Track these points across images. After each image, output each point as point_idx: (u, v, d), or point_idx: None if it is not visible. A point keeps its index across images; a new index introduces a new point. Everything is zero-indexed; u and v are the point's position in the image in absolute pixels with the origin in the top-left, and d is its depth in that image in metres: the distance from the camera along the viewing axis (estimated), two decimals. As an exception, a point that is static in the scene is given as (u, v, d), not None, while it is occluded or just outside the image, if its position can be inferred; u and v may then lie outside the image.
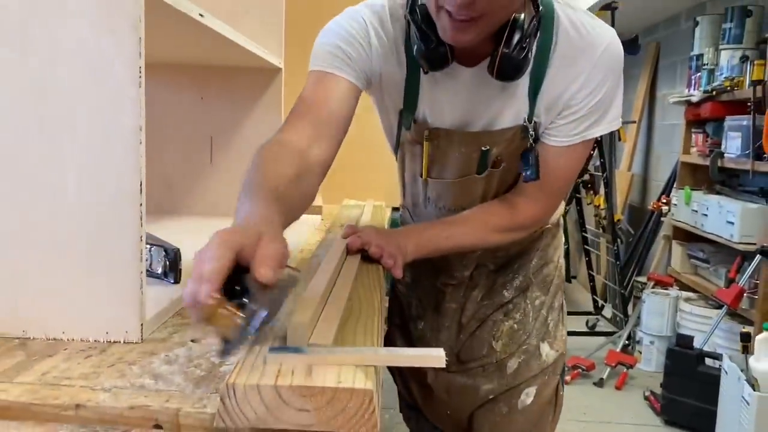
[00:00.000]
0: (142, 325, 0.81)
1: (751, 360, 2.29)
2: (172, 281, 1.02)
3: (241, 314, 0.60)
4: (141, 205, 0.80)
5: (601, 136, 1.23)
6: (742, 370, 2.35)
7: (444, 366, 0.62)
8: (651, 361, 3.44)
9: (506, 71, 1.04)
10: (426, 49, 1.04)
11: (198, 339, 0.83)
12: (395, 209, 2.25)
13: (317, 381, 0.58)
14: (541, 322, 1.36)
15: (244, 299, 0.61)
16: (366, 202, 2.04)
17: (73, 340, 0.81)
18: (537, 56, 1.08)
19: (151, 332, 0.85)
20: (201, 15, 1.01)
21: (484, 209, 1.22)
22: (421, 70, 1.11)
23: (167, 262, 1.02)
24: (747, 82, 3.04)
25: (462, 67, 1.11)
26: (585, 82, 1.09)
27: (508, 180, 1.23)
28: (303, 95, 1.09)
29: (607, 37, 1.09)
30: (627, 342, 3.59)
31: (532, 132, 1.12)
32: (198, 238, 0.69)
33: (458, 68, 1.11)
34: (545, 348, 1.36)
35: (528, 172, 1.13)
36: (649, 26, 4.85)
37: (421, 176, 1.25)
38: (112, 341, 0.81)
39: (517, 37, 1.02)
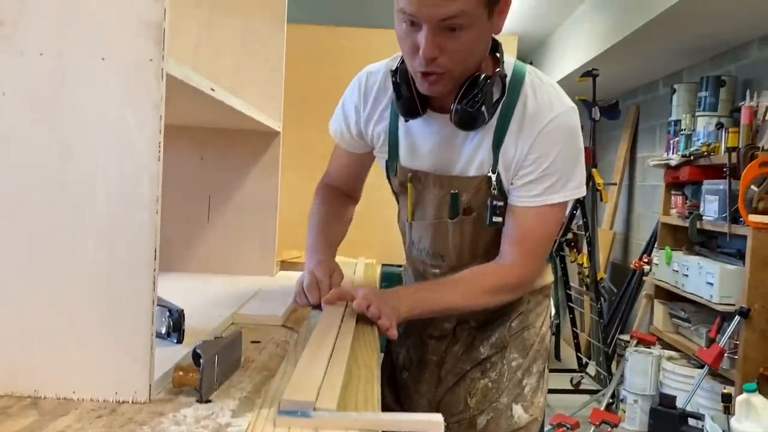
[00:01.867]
0: (150, 385, 0.85)
1: (733, 421, 2.33)
2: (175, 341, 1.06)
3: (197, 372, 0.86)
4: (155, 270, 0.84)
5: (583, 197, 1.33)
6: (723, 431, 2.38)
7: (440, 430, 0.66)
8: (635, 420, 3.46)
9: (463, 121, 1.17)
10: (400, 99, 1.21)
11: (203, 400, 0.87)
12: (385, 266, 2.31)
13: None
14: (515, 383, 1.38)
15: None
16: (357, 260, 2.09)
17: (83, 399, 0.84)
18: (501, 115, 1.20)
19: (158, 392, 0.88)
20: (212, 89, 1.08)
21: (473, 272, 1.28)
22: (402, 120, 1.26)
23: (171, 323, 1.06)
24: (722, 148, 3.17)
25: (437, 114, 1.24)
26: (532, 148, 1.19)
27: (481, 233, 1.30)
28: (335, 150, 1.50)
29: (558, 110, 1.20)
30: (611, 400, 3.61)
31: (495, 184, 1.22)
32: (191, 297, 0.75)
33: (434, 115, 1.24)
34: (518, 410, 1.37)
35: (492, 219, 1.24)
36: (629, 90, 5.04)
37: (408, 220, 1.37)
38: (120, 401, 0.84)
39: (473, 92, 1.15)
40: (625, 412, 3.54)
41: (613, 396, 3.64)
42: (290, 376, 0.84)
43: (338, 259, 2.24)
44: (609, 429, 3.32)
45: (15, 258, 0.84)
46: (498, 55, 1.22)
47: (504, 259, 1.27)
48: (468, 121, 1.17)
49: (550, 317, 1.50)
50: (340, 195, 1.49)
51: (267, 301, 1.46)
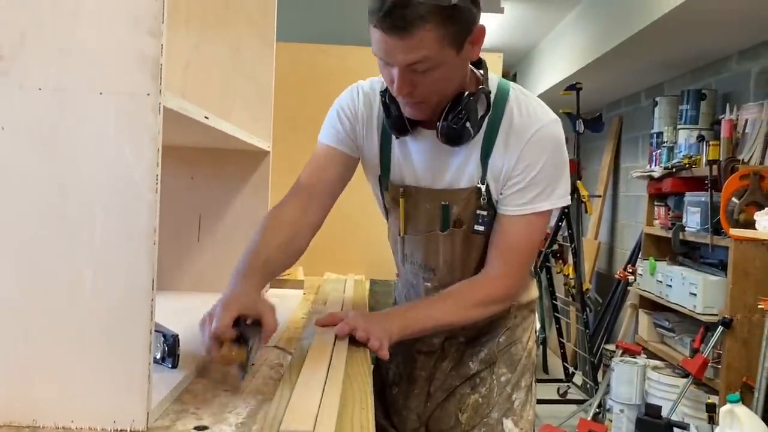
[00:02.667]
0: (148, 414, 0.86)
1: (717, 431, 2.36)
2: (170, 366, 1.07)
3: (245, 351, 1.01)
4: (152, 300, 0.86)
5: (568, 209, 1.37)
6: (708, 441, 2.42)
7: None
8: (621, 429, 3.48)
9: (449, 137, 1.22)
10: (389, 118, 1.26)
11: (202, 427, 0.88)
12: (374, 282, 2.32)
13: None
14: (505, 398, 1.41)
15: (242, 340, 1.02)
16: (347, 277, 2.10)
17: (81, 428, 0.85)
18: (487, 129, 1.26)
19: (155, 419, 0.90)
20: (206, 117, 1.09)
21: (461, 286, 1.30)
22: (393, 136, 1.31)
23: (166, 348, 1.07)
24: (704, 160, 3.23)
25: (427, 131, 1.28)
26: (520, 158, 1.25)
27: (471, 245, 1.34)
28: (307, 164, 1.38)
29: (543, 121, 1.26)
30: (597, 410, 3.64)
31: (484, 194, 1.27)
32: (182, 317, 0.78)
33: (424, 132, 1.28)
34: (509, 424, 1.40)
35: (474, 228, 1.30)
36: (612, 102, 5.11)
37: (400, 234, 1.39)
38: (119, 429, 0.85)
39: (456, 110, 1.20)
40: (611, 421, 3.57)
41: (599, 406, 3.67)
42: (287, 402, 0.85)
43: (328, 275, 2.27)
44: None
45: (13, 288, 0.84)
46: (481, 72, 1.28)
47: (491, 271, 1.30)
48: (454, 137, 1.22)
49: (536, 331, 1.53)
50: (302, 200, 1.31)
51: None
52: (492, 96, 1.25)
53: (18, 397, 0.85)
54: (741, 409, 2.30)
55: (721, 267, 3.19)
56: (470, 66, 1.26)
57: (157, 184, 0.85)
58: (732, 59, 3.47)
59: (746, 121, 3.16)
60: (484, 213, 1.28)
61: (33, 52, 0.84)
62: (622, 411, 3.51)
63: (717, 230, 3.00)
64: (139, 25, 0.84)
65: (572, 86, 3.98)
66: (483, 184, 1.27)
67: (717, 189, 2.99)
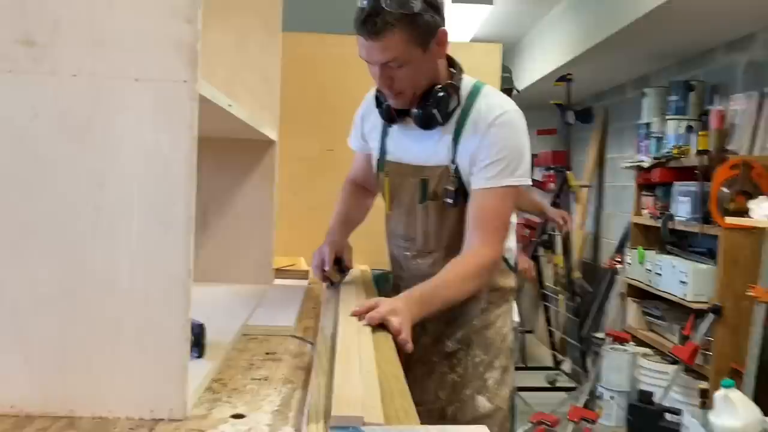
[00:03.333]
0: (185, 402, 0.86)
1: (711, 415, 2.41)
2: (196, 355, 1.07)
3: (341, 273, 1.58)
4: (189, 289, 0.86)
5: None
6: (702, 425, 2.47)
7: None
8: (611, 416, 3.54)
9: (420, 122, 1.46)
10: (381, 109, 1.52)
11: (239, 415, 0.88)
12: (374, 270, 2.33)
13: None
14: (478, 376, 1.56)
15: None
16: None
17: (118, 418, 0.85)
18: (459, 118, 1.47)
19: (191, 409, 0.89)
20: (230, 105, 1.09)
21: (452, 264, 1.42)
22: (391, 126, 1.57)
23: (192, 338, 1.07)
24: (693, 150, 3.28)
25: (410, 119, 1.49)
26: (485, 136, 1.44)
27: (444, 217, 1.51)
28: (351, 167, 1.80)
29: (506, 108, 1.46)
30: (588, 397, 3.69)
31: (452, 172, 1.47)
32: (195, 308, 0.81)
33: (408, 120, 1.50)
34: (481, 400, 1.55)
35: (449, 201, 1.48)
36: (597, 93, 5.15)
37: (387, 211, 1.62)
38: (156, 419, 0.85)
39: (428, 101, 1.43)
40: (602, 408, 3.62)
41: (590, 393, 3.72)
42: (324, 390, 0.86)
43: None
44: (588, 425, 3.40)
45: (50, 280, 0.84)
46: (452, 70, 1.50)
47: (471, 246, 1.44)
48: (425, 122, 1.46)
49: (512, 321, 1.68)
50: (360, 187, 1.77)
51: (272, 310, 1.48)
52: (466, 92, 1.48)
53: (54, 388, 0.85)
54: (735, 394, 2.35)
55: (710, 255, 3.24)
56: (448, 66, 1.49)
57: (193, 172, 0.85)
58: (718, 51, 3.52)
59: (735, 111, 3.21)
60: (451, 188, 1.47)
61: (67, 39, 0.83)
62: (612, 398, 3.57)
63: (707, 219, 3.05)
64: (175, 12, 0.83)
65: (563, 77, 4.00)
66: (453, 163, 1.47)
67: (707, 179, 3.04)
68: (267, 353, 1.20)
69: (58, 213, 0.83)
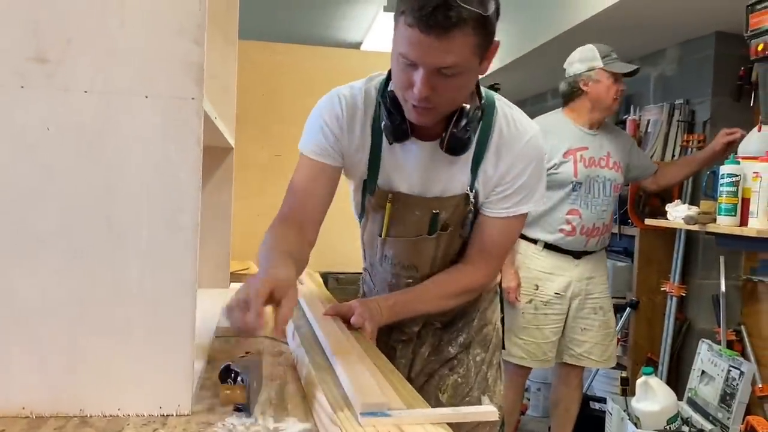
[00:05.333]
0: (192, 398, 0.92)
1: (633, 401, 2.63)
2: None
3: (244, 388, 0.92)
4: (195, 291, 0.91)
5: None
6: (624, 410, 2.68)
7: (497, 418, 0.79)
8: (539, 407, 3.75)
9: (453, 148, 1.29)
10: (392, 125, 1.28)
11: (250, 413, 0.94)
12: (341, 274, 2.41)
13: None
14: (482, 376, 1.53)
15: (239, 379, 0.92)
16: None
17: (128, 415, 0.90)
18: (478, 140, 1.33)
19: (194, 404, 0.95)
20: (215, 117, 1.15)
21: (441, 279, 1.41)
22: (384, 142, 1.34)
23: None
24: (611, 157, 3.52)
25: (419, 142, 1.34)
26: (511, 167, 1.34)
27: (453, 244, 1.43)
28: (293, 182, 1.38)
29: (531, 132, 1.35)
30: (516, 390, 3.88)
31: (472, 200, 1.36)
32: None
33: (416, 142, 1.34)
34: (485, 401, 1.52)
35: (468, 232, 1.39)
36: (519, 101, 5.41)
37: (380, 236, 1.44)
38: (165, 415, 0.91)
39: (463, 122, 1.26)
40: (529, 400, 3.82)
41: (517, 386, 3.92)
42: (335, 385, 0.94)
43: None
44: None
45: (61, 287, 0.88)
46: (478, 87, 1.34)
47: (469, 265, 1.41)
48: (458, 148, 1.29)
49: (500, 311, 1.65)
50: (295, 231, 1.32)
51: (239, 313, 1.52)
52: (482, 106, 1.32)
53: (65, 389, 0.88)
54: (654, 380, 2.57)
55: (626, 254, 3.50)
56: None
57: (199, 183, 0.91)
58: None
59: (648, 121, 3.49)
60: (470, 219, 1.38)
61: (79, 56, 0.87)
62: (539, 389, 3.78)
63: (624, 220, 3.30)
64: (183, 34, 0.89)
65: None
66: (472, 191, 1.35)
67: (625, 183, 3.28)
68: (246, 353, 1.26)
69: (70, 223, 0.87)
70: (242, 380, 0.92)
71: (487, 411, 0.81)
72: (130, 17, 0.88)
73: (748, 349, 2.86)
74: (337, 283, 2.48)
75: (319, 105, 1.39)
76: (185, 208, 0.90)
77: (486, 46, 1.17)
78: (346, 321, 1.30)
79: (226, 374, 0.93)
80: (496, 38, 1.19)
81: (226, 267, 1.90)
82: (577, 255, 2.61)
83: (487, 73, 4.40)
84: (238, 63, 1.99)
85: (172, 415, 0.91)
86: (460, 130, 1.26)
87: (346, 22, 5.11)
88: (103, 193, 0.88)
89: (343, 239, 2.03)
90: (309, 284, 1.95)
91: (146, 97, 0.89)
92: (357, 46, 5.80)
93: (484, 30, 1.13)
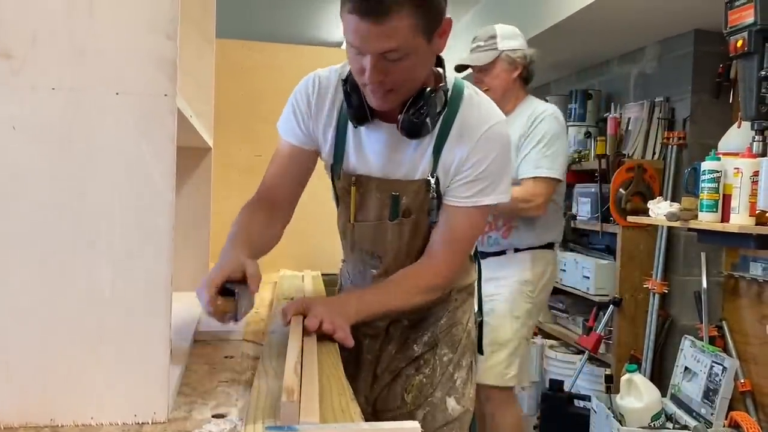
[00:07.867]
0: (168, 405, 0.89)
1: (617, 398, 2.63)
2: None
3: (235, 302, 1.11)
4: (170, 296, 0.88)
5: None
6: (608, 408, 2.68)
7: None
8: (524, 405, 3.75)
9: (409, 130, 1.28)
10: (352, 108, 1.30)
11: (220, 415, 0.92)
12: (325, 275, 2.37)
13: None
14: (448, 377, 1.49)
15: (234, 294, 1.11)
16: (304, 272, 2.15)
17: (102, 424, 0.86)
18: (442, 125, 1.32)
19: (171, 412, 0.92)
20: (191, 116, 1.11)
21: (407, 274, 1.37)
22: (350, 125, 1.35)
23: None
24: (592, 155, 3.54)
25: (384, 123, 1.33)
26: (471, 152, 1.32)
27: (418, 234, 1.41)
28: (272, 162, 1.45)
29: (495, 120, 1.33)
30: (500, 389, 3.88)
31: (434, 186, 1.33)
32: None
33: (381, 124, 1.33)
34: (451, 402, 1.48)
35: (436, 219, 1.37)
36: (501, 100, 5.41)
37: (350, 221, 1.43)
38: (140, 423, 0.87)
39: (419, 104, 1.26)
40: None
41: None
42: (265, 391, 0.91)
43: (284, 272, 2.28)
44: None
45: (31, 290, 0.84)
46: (441, 69, 1.34)
47: (433, 259, 1.38)
48: (414, 131, 1.28)
49: (474, 314, 1.62)
50: (266, 211, 1.39)
51: (219, 316, 1.49)
52: (448, 94, 1.31)
53: (35, 397, 0.85)
54: (638, 377, 2.58)
55: (608, 252, 3.51)
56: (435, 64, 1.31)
57: (173, 183, 0.88)
58: (613, 62, 3.81)
59: (629, 119, 3.50)
60: (434, 206, 1.35)
61: (46, 52, 0.84)
62: (523, 389, 3.77)
63: (605, 218, 3.30)
64: (155, 27, 0.86)
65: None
66: (433, 176, 1.33)
67: (605, 181, 3.29)
68: (226, 357, 1.23)
69: (38, 227, 0.84)
70: (235, 296, 1.10)
71: (409, 427, 0.75)
72: (99, 11, 0.85)
73: (730, 344, 2.88)
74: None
75: (298, 86, 1.42)
76: (159, 209, 0.87)
77: (432, 25, 1.17)
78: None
79: (225, 291, 1.10)
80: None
81: (205, 270, 1.86)
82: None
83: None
84: (217, 63, 1.96)
85: (148, 423, 0.88)
86: (414, 113, 1.26)
87: (327, 21, 5.09)
88: (72, 194, 0.85)
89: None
90: (308, 286, 1.92)
91: (117, 93, 0.85)
92: (338, 45, 5.78)
93: (425, 9, 1.13)
